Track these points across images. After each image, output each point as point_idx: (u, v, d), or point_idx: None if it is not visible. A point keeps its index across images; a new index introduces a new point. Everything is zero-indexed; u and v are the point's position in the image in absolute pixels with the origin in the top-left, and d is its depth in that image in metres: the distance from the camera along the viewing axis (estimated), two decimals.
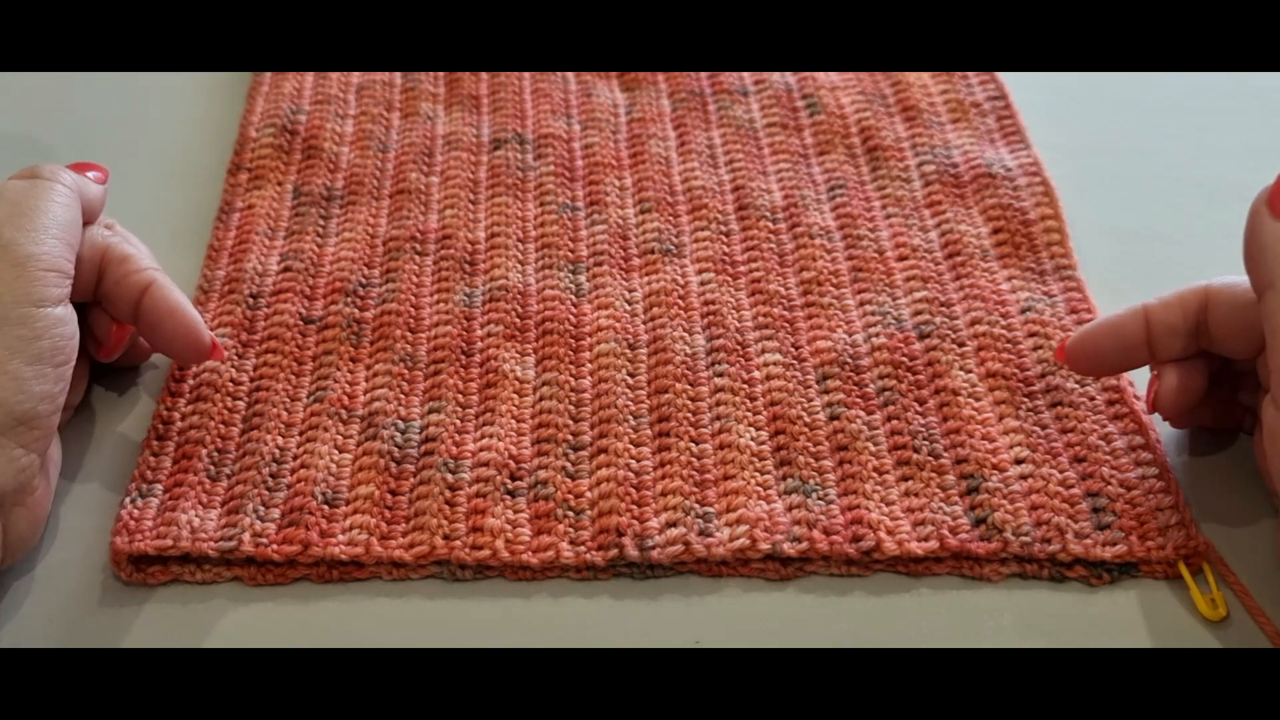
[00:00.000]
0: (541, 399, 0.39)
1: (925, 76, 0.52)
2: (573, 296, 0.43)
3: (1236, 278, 0.34)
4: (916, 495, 0.36)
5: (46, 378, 0.32)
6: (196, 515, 0.35)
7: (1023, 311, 0.42)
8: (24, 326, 0.32)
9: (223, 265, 0.44)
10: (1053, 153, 0.48)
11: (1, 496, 0.31)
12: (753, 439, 0.38)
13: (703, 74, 0.52)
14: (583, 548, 0.35)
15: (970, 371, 0.40)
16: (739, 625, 0.34)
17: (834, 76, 0.52)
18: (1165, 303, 0.35)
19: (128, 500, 0.36)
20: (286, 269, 0.44)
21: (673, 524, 0.35)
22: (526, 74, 0.52)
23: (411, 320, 0.42)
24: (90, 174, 0.39)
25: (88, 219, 0.37)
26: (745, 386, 0.40)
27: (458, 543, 0.35)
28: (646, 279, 0.43)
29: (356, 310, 0.42)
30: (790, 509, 0.36)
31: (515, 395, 0.39)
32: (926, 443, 0.38)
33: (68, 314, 0.34)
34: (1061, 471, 0.37)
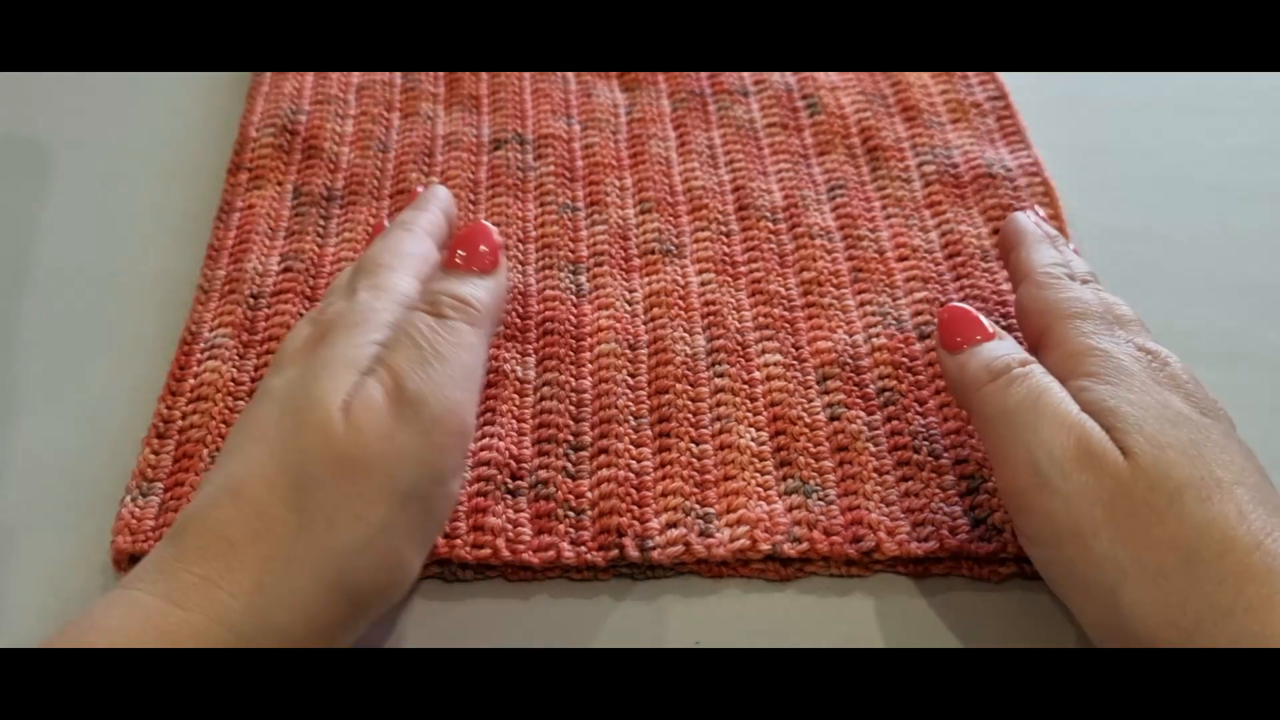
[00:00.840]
0: (542, 399, 0.39)
1: (925, 76, 0.52)
2: (573, 297, 0.43)
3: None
4: (916, 496, 0.36)
5: (423, 554, 0.30)
6: None
7: None
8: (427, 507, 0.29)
9: (223, 265, 0.44)
10: (1053, 153, 0.48)
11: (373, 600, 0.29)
12: (753, 439, 0.38)
13: (703, 74, 0.52)
14: (583, 548, 0.35)
15: None
16: (739, 625, 0.34)
17: (834, 76, 0.52)
18: None
19: (128, 499, 0.36)
20: (287, 269, 0.44)
21: (673, 524, 0.35)
22: (526, 74, 0.52)
23: None
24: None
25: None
26: (746, 387, 0.40)
27: (458, 541, 0.35)
28: (647, 279, 0.43)
29: None
30: (790, 509, 0.36)
31: (516, 395, 0.39)
32: (926, 443, 0.38)
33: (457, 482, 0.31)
34: None
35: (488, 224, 0.34)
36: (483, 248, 0.33)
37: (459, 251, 0.33)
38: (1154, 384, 0.31)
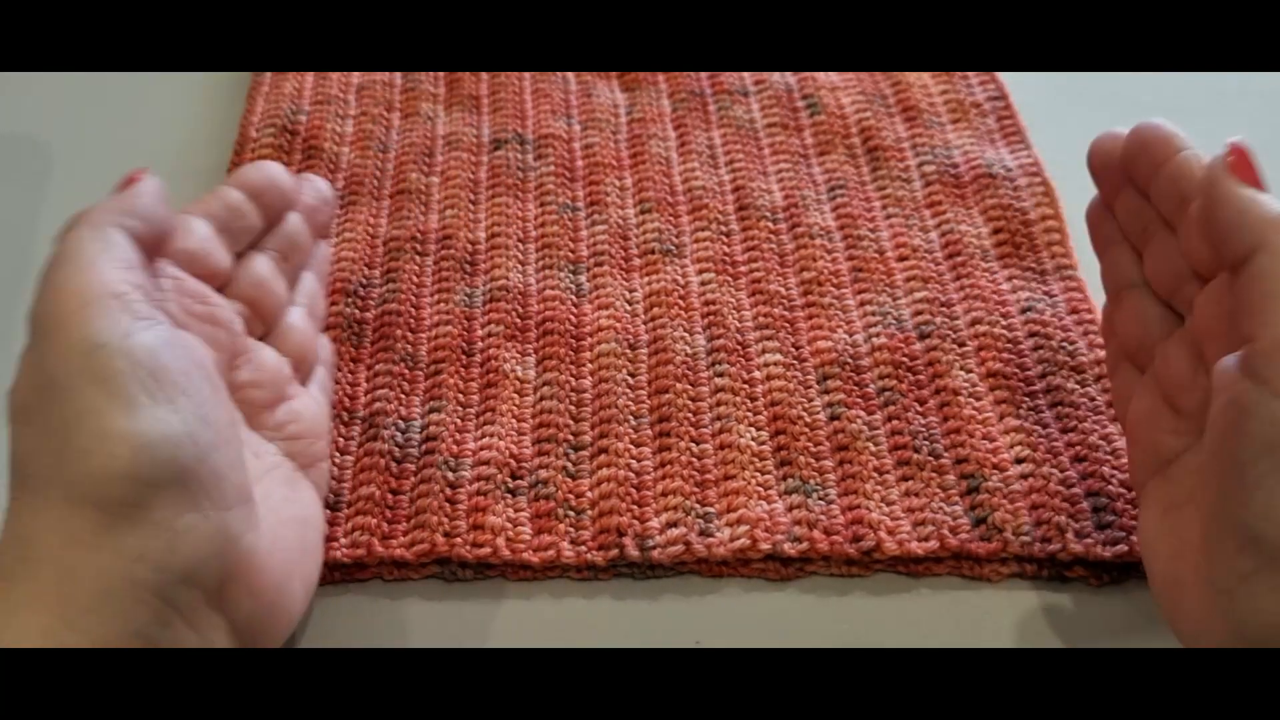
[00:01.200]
0: (542, 399, 0.39)
1: (925, 77, 0.52)
2: (573, 296, 0.43)
3: None
4: (917, 495, 0.36)
5: (153, 415, 0.26)
6: None
7: (1023, 311, 0.42)
8: (94, 370, 0.26)
9: None
10: (1053, 153, 0.48)
11: (191, 580, 0.26)
12: (753, 439, 0.38)
13: (703, 74, 0.52)
14: (583, 547, 0.35)
15: (971, 371, 0.40)
16: (739, 625, 0.34)
17: (834, 77, 0.52)
18: None
19: None
20: None
21: (673, 524, 0.35)
22: (526, 74, 0.52)
23: (412, 320, 0.42)
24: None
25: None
26: (746, 386, 0.40)
27: (458, 540, 0.35)
28: (647, 279, 0.43)
29: (357, 311, 0.42)
30: (790, 509, 0.36)
31: (516, 395, 0.39)
32: (927, 443, 0.38)
33: (165, 333, 0.27)
34: (1062, 471, 0.37)
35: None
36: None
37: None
38: None
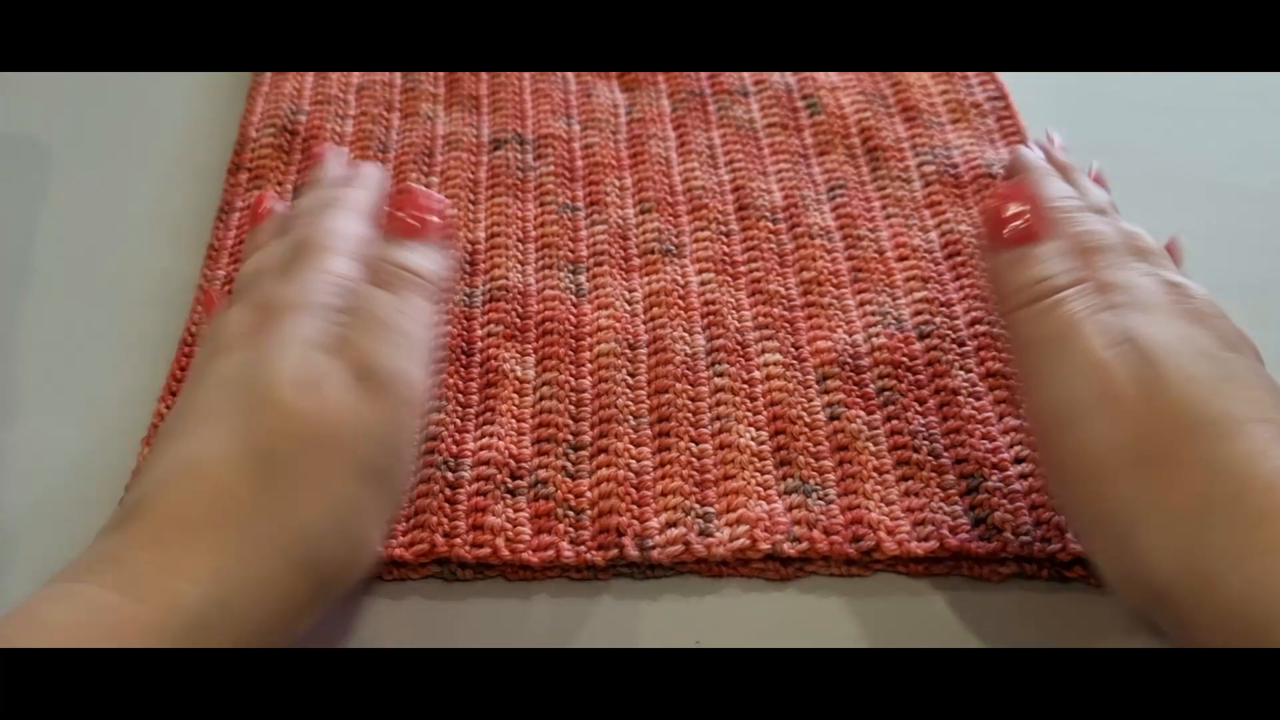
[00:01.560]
0: (542, 399, 0.39)
1: (925, 77, 0.52)
2: (573, 296, 0.43)
3: None
4: (916, 495, 0.36)
5: (383, 530, 0.30)
6: None
7: None
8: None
9: (223, 265, 0.44)
10: None
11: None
12: (753, 439, 0.38)
13: (703, 74, 0.52)
14: (583, 547, 0.35)
15: (970, 371, 0.40)
16: (739, 625, 0.34)
17: (834, 77, 0.52)
18: None
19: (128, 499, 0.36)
20: None
21: (673, 524, 0.35)
22: (526, 74, 0.52)
23: None
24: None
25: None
26: (745, 386, 0.40)
27: (458, 540, 0.35)
28: (646, 279, 0.43)
29: None
30: (790, 509, 0.36)
31: (515, 395, 0.39)
32: (926, 442, 0.38)
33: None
34: None
35: (435, 193, 0.34)
36: (434, 218, 0.33)
37: (410, 213, 0.33)
38: (1176, 317, 0.30)
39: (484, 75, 0.52)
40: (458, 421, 0.38)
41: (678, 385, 0.39)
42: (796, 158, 0.49)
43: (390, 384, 0.29)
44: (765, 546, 0.35)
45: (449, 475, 0.37)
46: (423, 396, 0.30)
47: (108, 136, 0.51)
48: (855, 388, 0.39)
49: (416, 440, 0.32)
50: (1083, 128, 0.51)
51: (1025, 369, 0.31)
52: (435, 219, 0.33)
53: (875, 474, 0.37)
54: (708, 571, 0.35)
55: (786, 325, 0.42)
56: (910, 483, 0.37)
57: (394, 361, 0.29)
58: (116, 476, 0.38)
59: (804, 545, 0.35)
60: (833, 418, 0.38)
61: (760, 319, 0.42)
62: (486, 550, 0.35)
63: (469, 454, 0.37)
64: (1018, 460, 0.37)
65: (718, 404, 0.39)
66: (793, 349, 0.41)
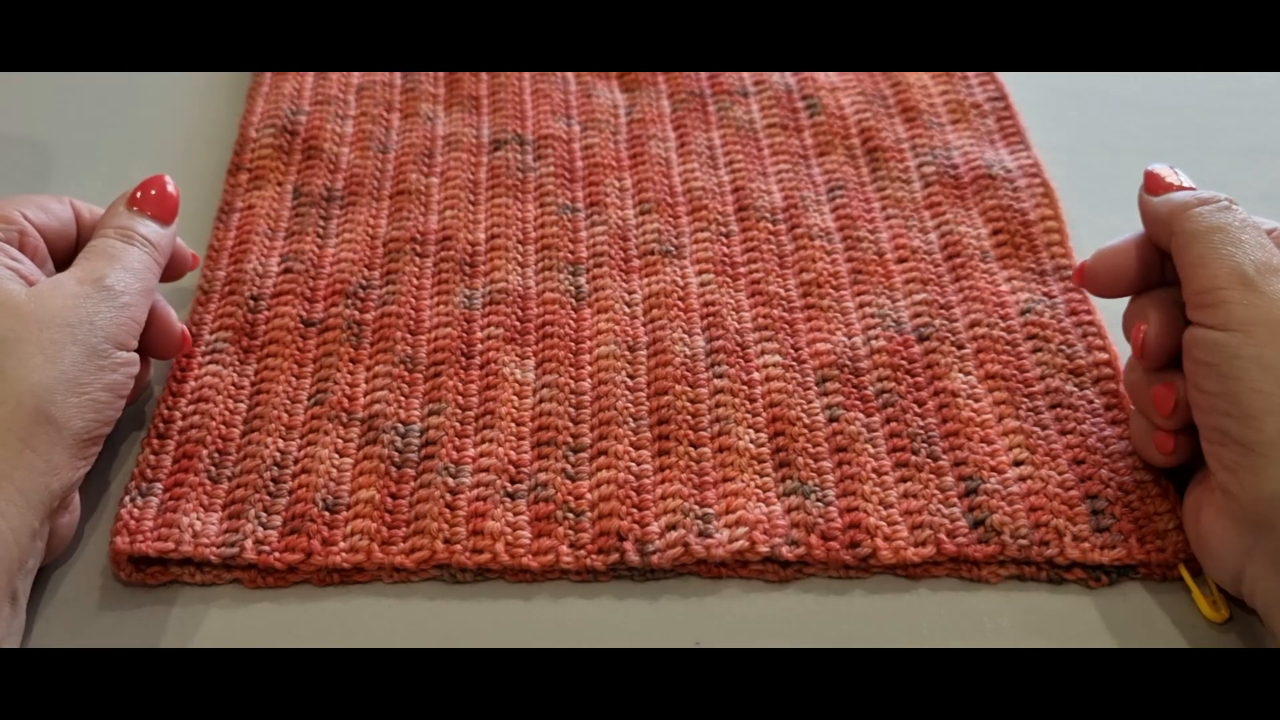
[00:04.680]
0: (541, 401, 0.39)
1: (925, 77, 0.52)
2: (572, 299, 0.43)
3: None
4: (915, 497, 0.36)
5: (115, 407, 0.35)
6: (198, 519, 0.35)
7: (1022, 313, 0.42)
8: (108, 361, 0.35)
9: (223, 266, 0.44)
10: (1053, 153, 0.48)
11: (56, 501, 0.33)
12: (752, 441, 0.38)
13: (703, 74, 0.52)
14: (583, 551, 0.35)
15: (969, 373, 0.40)
16: (739, 625, 0.34)
17: (834, 77, 0.52)
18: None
19: (127, 499, 0.36)
20: (287, 270, 0.44)
21: (672, 526, 0.35)
22: (526, 74, 0.52)
23: (411, 322, 0.42)
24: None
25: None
26: (745, 388, 0.40)
27: (458, 546, 0.35)
28: (646, 280, 0.43)
29: (357, 312, 0.42)
30: (789, 511, 0.36)
31: (515, 398, 0.39)
32: (925, 445, 0.38)
33: (135, 358, 0.36)
34: (1060, 474, 0.37)
35: (168, 179, 0.40)
36: (160, 196, 0.39)
37: (149, 191, 0.39)
38: None
39: (484, 75, 0.52)
40: (457, 425, 0.38)
41: (677, 387, 0.39)
42: (796, 158, 0.49)
43: (110, 289, 0.35)
44: (764, 549, 0.35)
45: (449, 481, 0.37)
46: (142, 318, 0.36)
47: (108, 136, 0.51)
48: (854, 390, 0.39)
49: (134, 356, 0.36)
50: (1083, 128, 0.52)
51: (1201, 250, 0.34)
52: (175, 207, 0.40)
53: (874, 476, 0.37)
54: (707, 573, 0.35)
55: (786, 327, 0.42)
56: (909, 484, 0.37)
57: (115, 277, 0.36)
58: (116, 477, 0.38)
59: (801, 550, 0.35)
60: (832, 419, 0.39)
61: (760, 320, 0.42)
62: (486, 556, 0.35)
63: (469, 460, 0.37)
64: (1016, 463, 0.37)
65: (717, 406, 0.39)
66: (792, 350, 0.41)
